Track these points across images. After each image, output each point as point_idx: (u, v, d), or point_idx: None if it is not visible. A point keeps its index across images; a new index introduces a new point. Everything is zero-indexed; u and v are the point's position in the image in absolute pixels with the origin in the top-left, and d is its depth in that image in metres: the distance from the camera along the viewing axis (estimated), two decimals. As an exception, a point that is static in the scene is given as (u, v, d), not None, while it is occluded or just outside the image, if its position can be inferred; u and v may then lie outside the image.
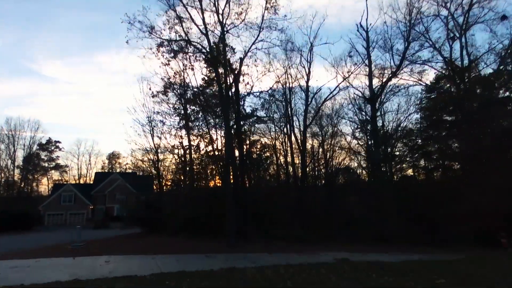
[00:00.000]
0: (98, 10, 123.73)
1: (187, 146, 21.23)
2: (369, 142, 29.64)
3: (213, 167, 19.28)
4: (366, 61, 18.60)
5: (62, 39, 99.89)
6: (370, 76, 18.53)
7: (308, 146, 26.97)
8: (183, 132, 21.78)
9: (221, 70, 16.08)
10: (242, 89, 17.13)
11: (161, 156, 22.46)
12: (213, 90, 20.19)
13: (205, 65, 18.80)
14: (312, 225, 20.10)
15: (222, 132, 19.25)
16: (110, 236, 18.28)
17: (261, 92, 17.00)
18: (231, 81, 16.01)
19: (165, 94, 19.23)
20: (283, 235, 16.50)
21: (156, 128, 20.79)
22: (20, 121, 68.13)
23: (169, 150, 20.83)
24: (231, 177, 17.18)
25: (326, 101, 24.34)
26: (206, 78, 18.70)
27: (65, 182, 56.78)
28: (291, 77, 23.52)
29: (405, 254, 12.37)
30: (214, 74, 16.67)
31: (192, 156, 21.41)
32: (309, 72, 21.97)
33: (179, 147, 21.38)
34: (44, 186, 62.72)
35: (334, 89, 19.74)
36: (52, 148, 60.90)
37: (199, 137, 21.02)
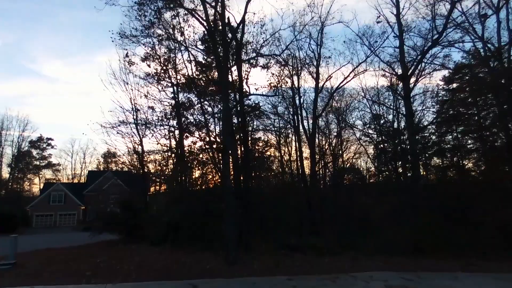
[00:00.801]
0: (98, 9, 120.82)
1: (179, 137, 17.97)
2: (380, 139, 26.86)
3: (209, 156, 15.92)
4: (396, 30, 15.16)
5: (62, 39, 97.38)
6: (402, 48, 15.04)
7: (317, 141, 24.11)
8: (175, 121, 18.56)
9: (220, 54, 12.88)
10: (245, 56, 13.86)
11: (146, 148, 19.17)
12: (212, 70, 16.95)
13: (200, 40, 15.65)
14: (325, 231, 17.23)
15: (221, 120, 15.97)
16: (78, 244, 14.85)
17: (270, 55, 13.55)
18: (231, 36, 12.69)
19: (147, 64, 15.90)
20: (295, 244, 13.32)
21: (140, 113, 17.54)
22: (8, 117, 65.21)
23: (156, 139, 17.55)
24: (231, 173, 14.06)
25: (341, 87, 21.14)
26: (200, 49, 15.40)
27: (57, 181, 53.73)
28: (299, 61, 20.67)
29: (482, 275, 8.69)
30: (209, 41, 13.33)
31: (185, 148, 18.19)
32: (319, 56, 19.22)
33: (169, 137, 18.15)
34: (36, 185, 59.69)
35: (358, 66, 16.47)
36: (44, 145, 58.04)
37: (193, 127, 17.86)
